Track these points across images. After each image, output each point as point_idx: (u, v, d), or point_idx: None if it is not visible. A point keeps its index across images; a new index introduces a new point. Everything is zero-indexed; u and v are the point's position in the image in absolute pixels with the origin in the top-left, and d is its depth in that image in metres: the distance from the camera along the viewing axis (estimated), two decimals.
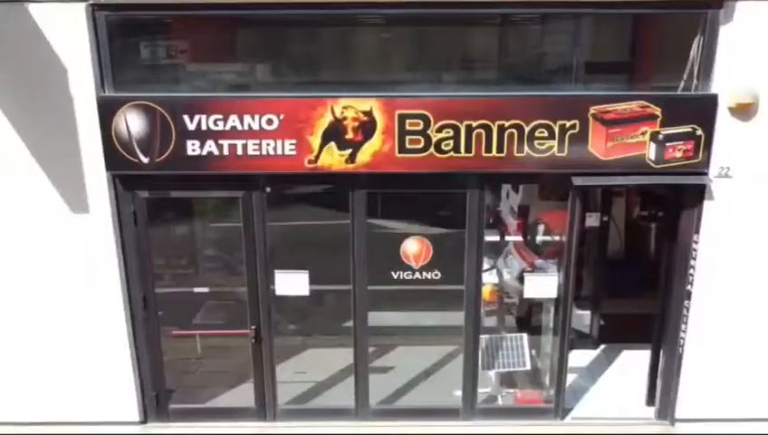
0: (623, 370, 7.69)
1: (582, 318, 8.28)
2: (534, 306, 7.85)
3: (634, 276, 9.22)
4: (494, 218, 7.92)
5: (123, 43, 5.79)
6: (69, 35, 5.58)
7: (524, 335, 6.94)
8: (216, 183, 6.06)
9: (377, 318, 7.66)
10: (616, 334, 8.24)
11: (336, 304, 7.63)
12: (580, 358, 7.78)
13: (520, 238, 8.22)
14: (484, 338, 6.67)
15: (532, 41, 6.16)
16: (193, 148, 5.78)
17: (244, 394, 6.88)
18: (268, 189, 6.09)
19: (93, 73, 5.67)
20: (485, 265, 6.75)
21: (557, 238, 7.76)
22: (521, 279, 7.94)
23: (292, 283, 6.31)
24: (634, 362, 7.68)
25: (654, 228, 9.69)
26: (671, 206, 6.23)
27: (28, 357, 6.40)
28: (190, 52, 6.16)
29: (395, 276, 6.37)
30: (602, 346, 8.18)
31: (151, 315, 6.40)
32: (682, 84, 5.87)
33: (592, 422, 6.75)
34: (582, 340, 8.14)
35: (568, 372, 6.76)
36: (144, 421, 6.69)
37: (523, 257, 8.07)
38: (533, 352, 7.20)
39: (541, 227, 7.62)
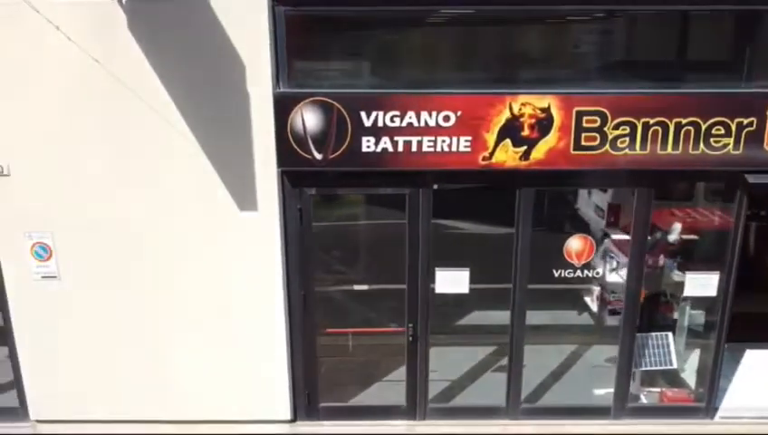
0: (753, 367, 7.65)
1: (696, 317, 8.26)
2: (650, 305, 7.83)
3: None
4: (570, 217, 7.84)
5: (300, 38, 5.72)
6: (248, 30, 5.53)
7: (669, 334, 6.90)
8: (384, 180, 6.00)
9: (488, 317, 7.65)
10: (733, 333, 8.22)
11: (472, 303, 7.61)
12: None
13: (624, 237, 8.19)
14: None
15: (708, 37, 6.11)
16: (368, 144, 5.73)
17: (384, 392, 6.84)
18: (435, 186, 6.04)
19: (270, 69, 5.61)
20: None
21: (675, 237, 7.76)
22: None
23: (452, 281, 6.26)
24: (762, 360, 7.68)
25: (754, 227, 9.70)
26: None
27: (186, 354, 6.34)
28: (366, 48, 6.09)
29: (556, 274, 6.34)
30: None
31: (309, 313, 6.34)
32: None
33: (744, 422, 6.72)
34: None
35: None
36: (293, 420, 6.64)
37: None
38: None
39: (677, 226, 7.55)
